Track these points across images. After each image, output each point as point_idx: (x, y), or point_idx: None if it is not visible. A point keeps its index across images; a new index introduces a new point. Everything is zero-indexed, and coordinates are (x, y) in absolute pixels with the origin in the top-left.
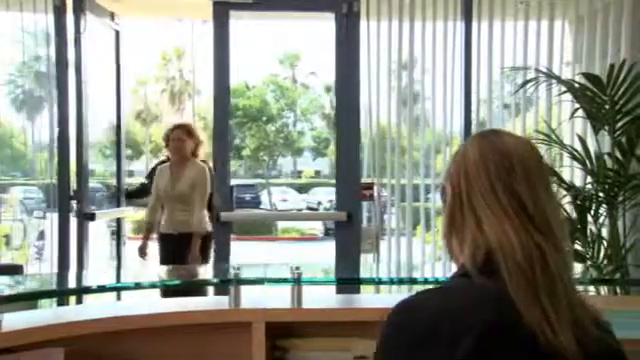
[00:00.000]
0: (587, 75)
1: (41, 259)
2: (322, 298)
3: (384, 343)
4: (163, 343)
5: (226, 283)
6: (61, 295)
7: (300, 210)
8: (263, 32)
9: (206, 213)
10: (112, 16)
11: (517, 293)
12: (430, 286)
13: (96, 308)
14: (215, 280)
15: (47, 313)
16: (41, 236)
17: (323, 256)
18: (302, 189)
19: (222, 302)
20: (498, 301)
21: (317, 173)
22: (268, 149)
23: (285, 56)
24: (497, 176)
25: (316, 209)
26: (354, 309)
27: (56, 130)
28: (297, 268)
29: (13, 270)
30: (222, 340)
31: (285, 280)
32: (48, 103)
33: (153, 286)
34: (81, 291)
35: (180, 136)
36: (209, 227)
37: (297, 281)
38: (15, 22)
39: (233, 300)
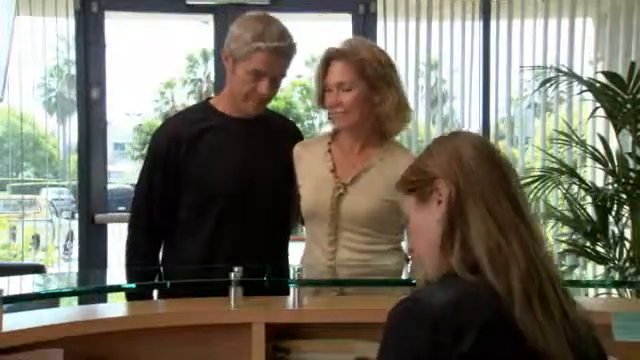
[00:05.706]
0: (607, 73)
1: (70, 259)
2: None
3: (392, 332)
4: (163, 343)
5: (226, 284)
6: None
7: None
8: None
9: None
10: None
11: (515, 299)
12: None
13: (96, 308)
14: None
15: (47, 313)
16: (69, 237)
17: None
18: None
19: (222, 302)
20: (493, 299)
21: None
22: None
23: (312, 57)
24: (499, 182)
25: None
26: (355, 310)
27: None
28: (299, 269)
29: (35, 270)
30: (222, 340)
31: (285, 281)
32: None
33: (150, 288)
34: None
35: None
36: None
37: (297, 282)
38: (46, 26)
39: (233, 300)
